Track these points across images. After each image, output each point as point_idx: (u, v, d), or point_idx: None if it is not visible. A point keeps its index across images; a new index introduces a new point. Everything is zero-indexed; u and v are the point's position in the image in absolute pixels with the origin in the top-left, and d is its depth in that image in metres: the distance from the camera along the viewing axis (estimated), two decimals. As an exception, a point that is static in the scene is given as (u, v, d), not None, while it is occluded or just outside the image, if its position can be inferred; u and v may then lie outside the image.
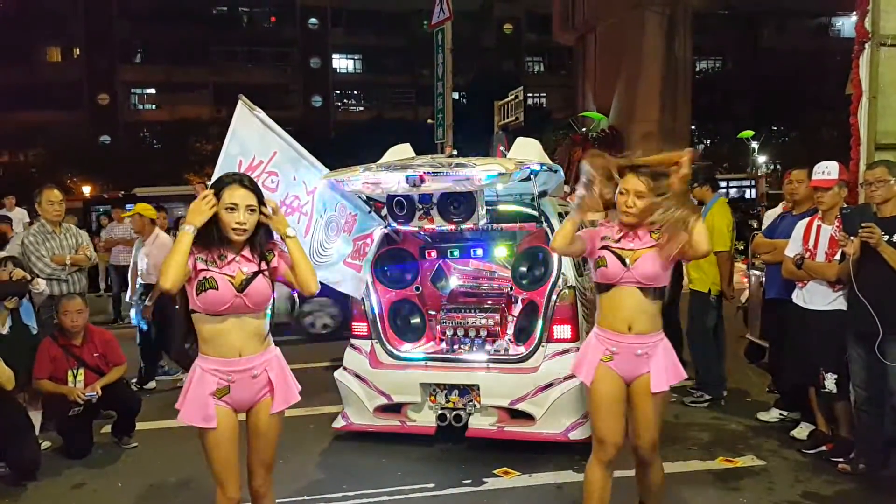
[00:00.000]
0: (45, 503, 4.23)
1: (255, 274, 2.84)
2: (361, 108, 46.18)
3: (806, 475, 4.29)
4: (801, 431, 4.84)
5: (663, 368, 3.14)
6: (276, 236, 2.95)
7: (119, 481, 4.51)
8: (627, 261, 3.09)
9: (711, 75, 38.96)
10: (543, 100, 42.57)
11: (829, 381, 4.32)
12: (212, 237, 2.82)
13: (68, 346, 4.99)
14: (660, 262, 3.09)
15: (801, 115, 29.71)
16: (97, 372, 5.01)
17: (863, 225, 3.87)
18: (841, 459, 4.32)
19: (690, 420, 5.36)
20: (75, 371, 4.95)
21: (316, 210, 4.42)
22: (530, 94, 32.90)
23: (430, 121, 19.25)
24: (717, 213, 5.69)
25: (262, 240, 2.89)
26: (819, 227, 4.43)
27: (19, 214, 11.13)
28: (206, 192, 2.82)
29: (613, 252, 3.13)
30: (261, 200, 2.88)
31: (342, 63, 47.35)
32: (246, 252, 2.88)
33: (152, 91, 43.55)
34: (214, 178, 3.85)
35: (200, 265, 2.80)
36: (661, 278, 3.12)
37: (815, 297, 4.40)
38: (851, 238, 3.96)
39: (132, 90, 43.21)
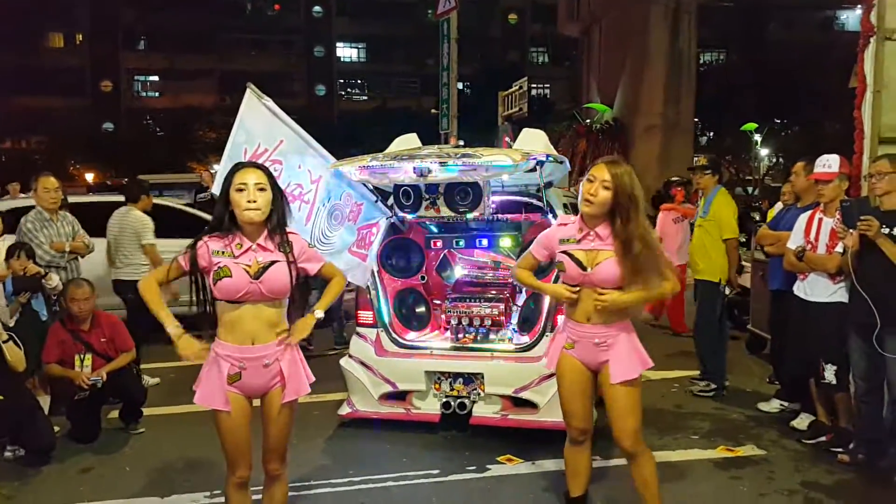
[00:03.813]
0: (53, 487, 4.27)
1: (273, 262, 2.88)
2: (365, 97, 46.12)
3: (805, 465, 4.35)
4: (801, 422, 4.89)
5: (623, 358, 3.15)
6: (292, 226, 3.03)
7: (126, 465, 4.56)
8: (587, 266, 3.10)
9: (715, 67, 38.72)
10: (547, 91, 42.47)
11: (829, 373, 4.36)
12: (226, 224, 2.88)
13: (76, 330, 5.03)
14: (620, 273, 3.06)
15: (804, 108, 29.59)
16: (105, 357, 5.05)
17: (861, 218, 3.91)
18: (840, 450, 4.38)
19: (692, 410, 5.41)
20: (83, 356, 4.98)
21: (319, 199, 4.44)
22: (534, 85, 32.83)
23: (434, 110, 19.25)
24: (721, 202, 5.73)
25: (277, 224, 2.92)
26: (820, 219, 4.46)
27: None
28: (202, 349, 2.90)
29: (572, 256, 3.13)
30: (276, 184, 2.93)
31: (346, 52, 47.28)
32: (262, 241, 2.92)
33: (156, 78, 43.52)
34: (221, 166, 3.91)
35: (216, 258, 2.87)
36: (619, 283, 3.08)
37: (816, 289, 4.44)
38: (850, 231, 4.01)
39: (136, 77, 43.21)
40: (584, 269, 3.10)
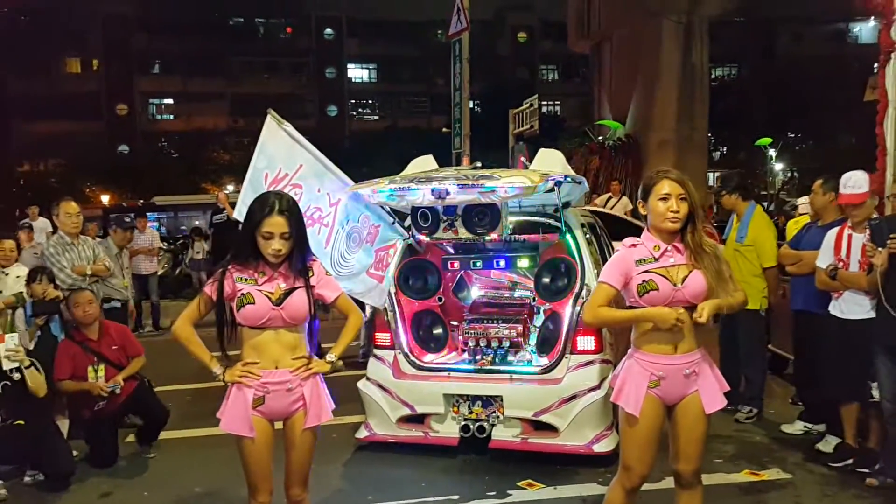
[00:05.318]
0: (72, 513, 4.26)
1: (294, 289, 2.93)
2: (376, 117, 46.51)
3: (833, 489, 4.25)
4: (827, 444, 4.77)
5: (712, 386, 3.02)
6: (313, 255, 3.08)
7: (145, 490, 4.54)
8: (676, 282, 2.94)
9: (728, 82, 38.80)
10: (558, 108, 42.62)
11: (877, 391, 4.24)
12: (250, 257, 2.94)
13: (85, 341, 5.03)
14: (707, 283, 2.94)
15: (818, 121, 29.51)
16: (117, 366, 5.05)
17: (892, 236, 3.84)
18: (867, 471, 4.27)
19: (714, 432, 5.27)
20: (95, 367, 4.98)
21: (338, 221, 4.46)
22: (544, 102, 32.89)
23: (445, 130, 19.30)
24: (759, 225, 5.43)
25: (297, 262, 2.96)
26: (850, 235, 4.36)
27: (42, 224, 11.26)
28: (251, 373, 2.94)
29: (659, 274, 2.95)
30: (298, 222, 2.95)
31: (357, 73, 47.75)
32: (284, 269, 2.96)
33: (170, 101, 44.12)
34: (243, 192, 3.92)
35: (239, 284, 2.93)
36: (708, 295, 2.96)
37: (853, 307, 4.33)
38: (879, 249, 3.93)
39: (150, 100, 43.82)
40: (675, 285, 2.93)
